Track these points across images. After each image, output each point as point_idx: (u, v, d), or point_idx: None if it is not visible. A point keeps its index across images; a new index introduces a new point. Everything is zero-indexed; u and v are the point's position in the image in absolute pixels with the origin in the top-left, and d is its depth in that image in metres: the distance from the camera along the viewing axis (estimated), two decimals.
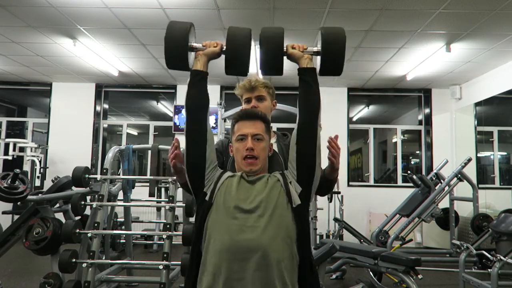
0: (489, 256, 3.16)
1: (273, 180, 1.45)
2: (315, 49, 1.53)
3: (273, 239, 1.30)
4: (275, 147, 1.82)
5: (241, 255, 1.28)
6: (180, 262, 2.84)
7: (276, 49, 1.48)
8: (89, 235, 3.01)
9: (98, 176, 3.21)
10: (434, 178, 5.33)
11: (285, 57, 1.52)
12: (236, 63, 1.51)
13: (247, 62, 1.50)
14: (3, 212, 5.05)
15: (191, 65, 1.53)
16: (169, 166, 3.72)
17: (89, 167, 3.45)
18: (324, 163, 1.56)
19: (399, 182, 6.89)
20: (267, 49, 1.48)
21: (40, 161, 6.21)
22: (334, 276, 4.33)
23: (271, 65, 1.51)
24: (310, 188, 1.46)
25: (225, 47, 1.51)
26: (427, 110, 6.82)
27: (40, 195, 3.50)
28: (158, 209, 5.94)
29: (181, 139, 1.45)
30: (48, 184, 5.34)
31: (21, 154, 6.08)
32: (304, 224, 1.40)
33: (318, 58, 1.54)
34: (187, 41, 1.47)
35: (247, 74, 1.58)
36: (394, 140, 7.60)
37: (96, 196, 3.22)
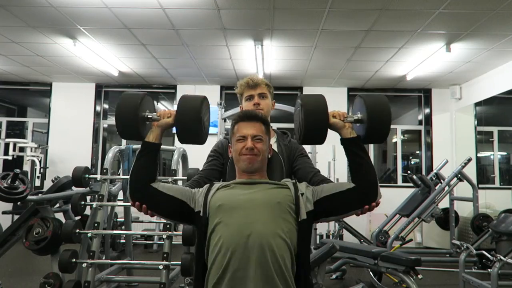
0: (489, 256, 3.16)
1: (278, 185, 1.44)
2: (355, 117, 1.48)
3: (274, 236, 1.29)
4: (274, 146, 1.80)
5: (243, 251, 1.27)
6: (180, 262, 2.83)
7: (320, 123, 1.43)
8: (89, 235, 3.01)
9: (98, 176, 3.20)
10: (434, 178, 5.33)
11: None
12: (187, 135, 1.48)
13: (199, 134, 1.47)
14: (3, 212, 5.04)
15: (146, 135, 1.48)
16: (169, 166, 3.72)
17: (89, 167, 3.45)
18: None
19: (399, 182, 6.89)
20: (312, 123, 1.43)
21: (40, 161, 6.20)
22: (334, 276, 4.33)
23: (314, 137, 1.48)
24: (321, 216, 1.44)
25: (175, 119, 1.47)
26: (427, 110, 6.82)
27: (40, 195, 3.49)
28: None
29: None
30: (48, 184, 5.33)
31: (21, 154, 6.08)
32: (304, 239, 1.36)
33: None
34: (137, 115, 1.44)
35: (204, 143, 1.53)
36: (394, 140, 7.60)
37: (96, 196, 3.21)
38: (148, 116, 1.50)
